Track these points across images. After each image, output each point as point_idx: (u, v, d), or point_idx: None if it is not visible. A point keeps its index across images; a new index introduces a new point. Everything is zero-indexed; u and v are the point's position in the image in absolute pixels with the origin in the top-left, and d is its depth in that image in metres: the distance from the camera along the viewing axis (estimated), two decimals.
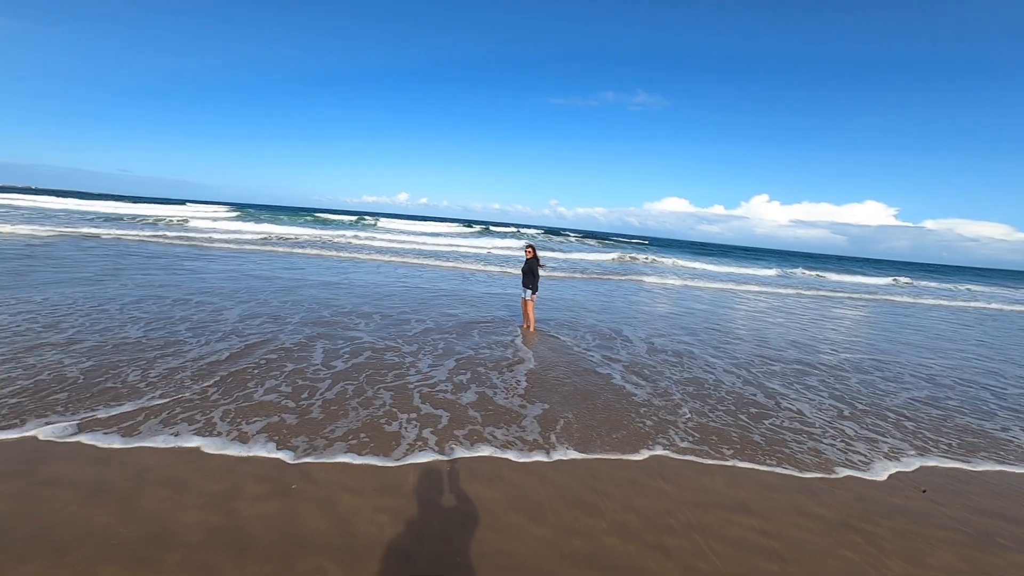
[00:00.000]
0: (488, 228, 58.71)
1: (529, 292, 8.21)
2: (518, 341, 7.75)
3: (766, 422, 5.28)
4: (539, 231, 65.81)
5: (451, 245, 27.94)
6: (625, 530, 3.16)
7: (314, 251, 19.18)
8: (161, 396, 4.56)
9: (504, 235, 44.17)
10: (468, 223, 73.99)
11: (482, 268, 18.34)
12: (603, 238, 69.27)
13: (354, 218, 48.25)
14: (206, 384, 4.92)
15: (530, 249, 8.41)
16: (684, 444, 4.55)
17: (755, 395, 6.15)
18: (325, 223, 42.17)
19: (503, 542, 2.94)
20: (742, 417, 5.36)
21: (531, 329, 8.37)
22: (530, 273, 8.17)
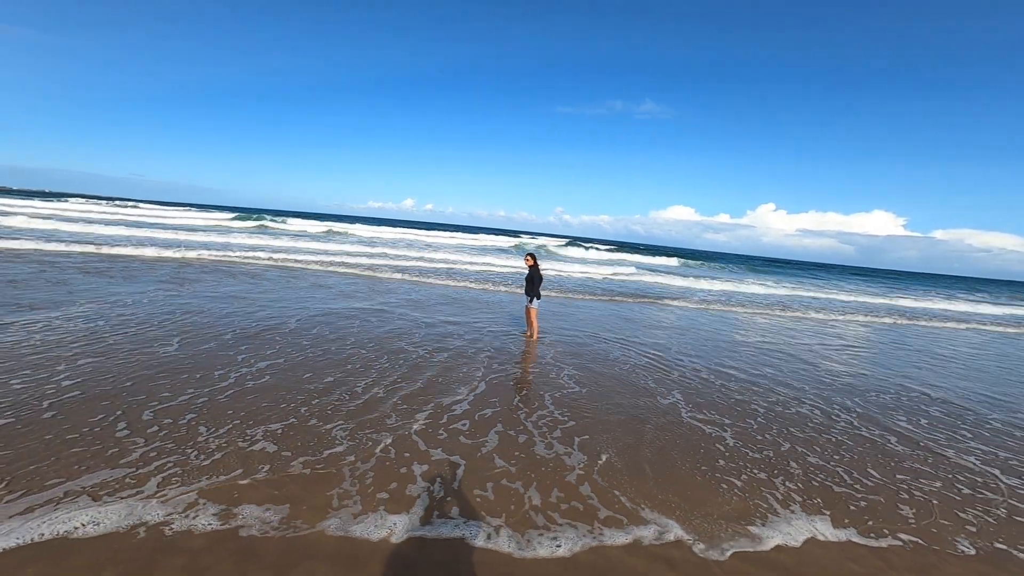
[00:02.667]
0: (520, 242, 49.58)
1: (537, 302, 8.29)
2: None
3: (933, 483, 4.33)
4: (564, 240, 64.52)
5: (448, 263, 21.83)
6: None
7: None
8: None
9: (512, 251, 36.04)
10: (473, 230, 73.26)
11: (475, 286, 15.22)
12: (634, 248, 66.51)
13: (324, 228, 41.73)
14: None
15: (530, 258, 8.49)
16: (824, 522, 3.52)
17: (888, 440, 5.26)
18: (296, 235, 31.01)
19: None
20: (887, 472, 4.42)
21: (534, 338, 8.36)
22: (530, 282, 8.24)
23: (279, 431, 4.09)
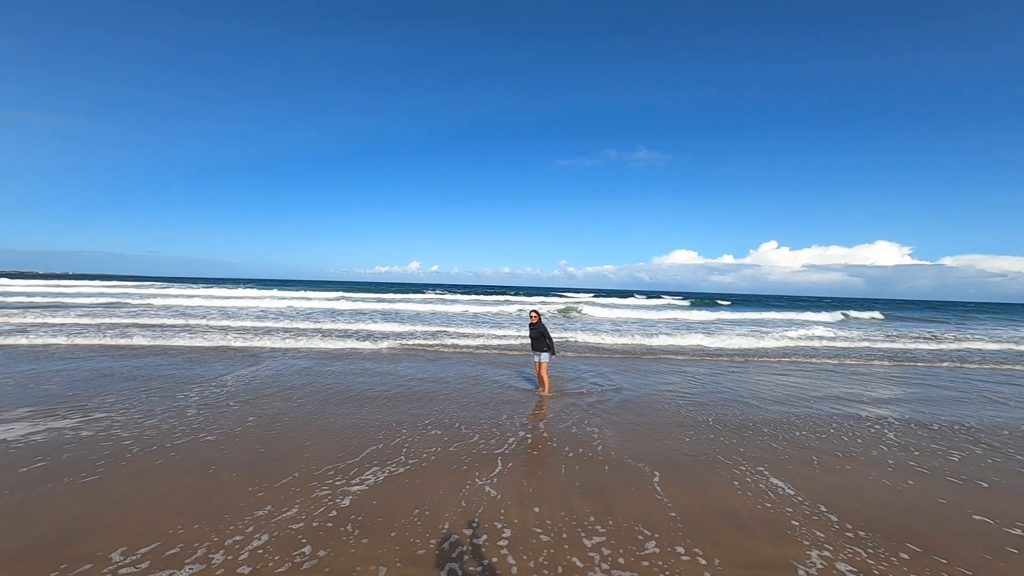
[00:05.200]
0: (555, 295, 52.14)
1: (545, 355, 8.30)
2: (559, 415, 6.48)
3: None
4: (591, 294, 64.48)
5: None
6: None
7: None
8: None
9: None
10: (483, 289, 74.21)
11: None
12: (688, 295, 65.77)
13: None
14: None
15: (535, 314, 8.59)
16: None
17: None
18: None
19: None
20: None
21: (546, 392, 8.34)
22: (542, 337, 8.31)
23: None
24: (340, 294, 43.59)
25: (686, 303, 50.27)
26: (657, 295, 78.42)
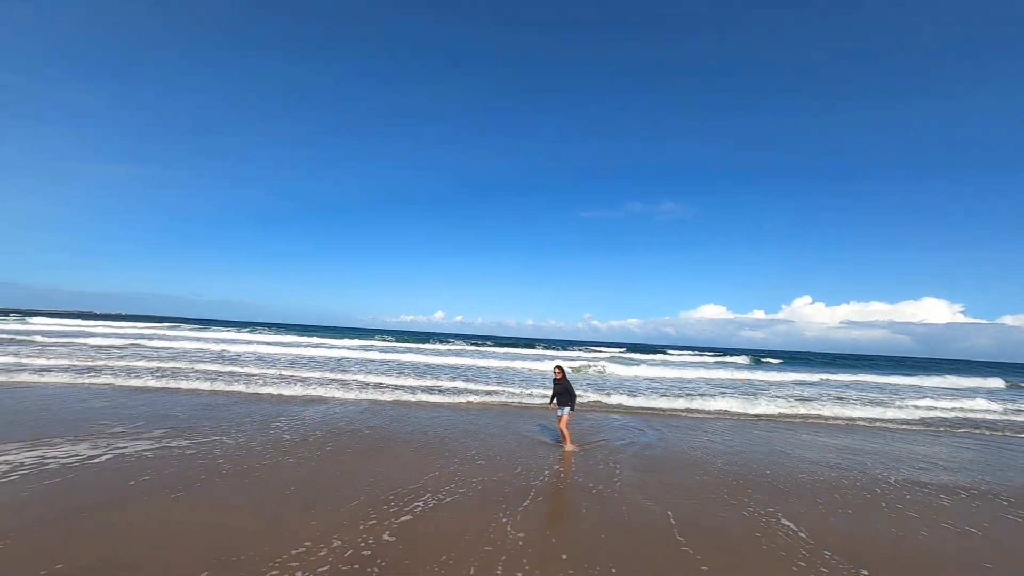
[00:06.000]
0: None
1: (567, 410, 8.37)
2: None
3: None
4: (621, 348, 63.80)
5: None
6: None
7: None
8: None
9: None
10: (513, 342, 73.33)
11: None
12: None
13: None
14: None
15: (558, 370, 8.69)
16: None
17: None
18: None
19: None
20: None
21: (568, 446, 8.33)
22: (566, 393, 8.42)
23: None
24: (371, 342, 43.40)
25: (746, 360, 46.95)
26: (692, 351, 74.99)
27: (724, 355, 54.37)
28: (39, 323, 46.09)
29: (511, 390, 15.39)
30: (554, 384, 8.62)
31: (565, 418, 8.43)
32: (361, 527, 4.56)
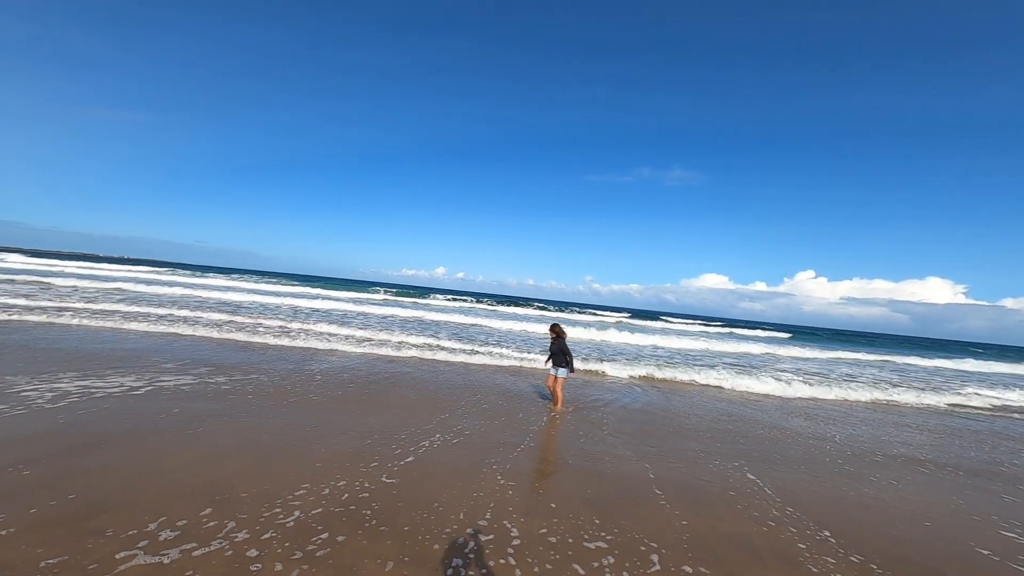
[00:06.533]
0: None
1: (563, 371, 8.23)
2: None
3: None
4: (625, 314, 61.51)
5: None
6: None
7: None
8: None
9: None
10: (507, 299, 73.44)
11: None
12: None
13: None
14: None
15: (554, 330, 8.38)
16: None
17: None
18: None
19: None
20: None
21: (559, 407, 8.26)
22: (561, 352, 8.24)
23: None
24: (383, 295, 44.31)
25: (786, 336, 45.29)
26: (692, 319, 74.55)
27: (733, 327, 53.69)
28: (66, 266, 46.56)
29: (510, 352, 15.75)
30: (551, 343, 8.42)
31: (560, 380, 8.31)
32: (362, 468, 4.97)
